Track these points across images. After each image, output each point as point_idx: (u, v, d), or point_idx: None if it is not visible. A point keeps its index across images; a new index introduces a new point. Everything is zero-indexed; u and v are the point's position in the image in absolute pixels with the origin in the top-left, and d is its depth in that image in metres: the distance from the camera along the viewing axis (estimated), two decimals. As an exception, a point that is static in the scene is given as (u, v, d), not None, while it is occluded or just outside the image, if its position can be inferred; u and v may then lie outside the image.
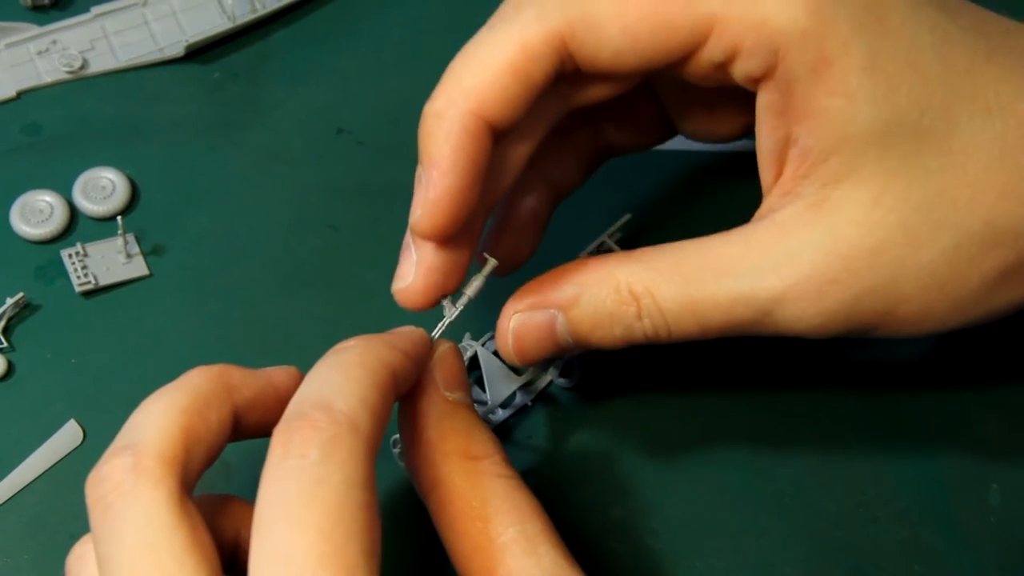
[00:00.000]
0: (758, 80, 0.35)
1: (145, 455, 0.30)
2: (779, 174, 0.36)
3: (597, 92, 0.37)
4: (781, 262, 0.35)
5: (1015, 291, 0.36)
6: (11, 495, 0.41)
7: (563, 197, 0.43)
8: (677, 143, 0.51)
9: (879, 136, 0.34)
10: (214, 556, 0.30)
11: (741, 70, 0.34)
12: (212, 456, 0.32)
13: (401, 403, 0.35)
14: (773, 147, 0.36)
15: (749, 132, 0.38)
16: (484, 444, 0.35)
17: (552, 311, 0.37)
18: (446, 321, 0.38)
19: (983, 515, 0.42)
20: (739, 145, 0.51)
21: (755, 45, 0.33)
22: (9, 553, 0.40)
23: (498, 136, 0.35)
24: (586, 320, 0.36)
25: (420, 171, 0.35)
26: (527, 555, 0.32)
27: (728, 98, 0.39)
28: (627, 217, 0.45)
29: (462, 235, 0.37)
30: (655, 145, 0.44)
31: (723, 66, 0.35)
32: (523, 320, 0.37)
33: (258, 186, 0.49)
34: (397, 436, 0.40)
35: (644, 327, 0.36)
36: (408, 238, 0.37)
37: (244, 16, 0.52)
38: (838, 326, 0.35)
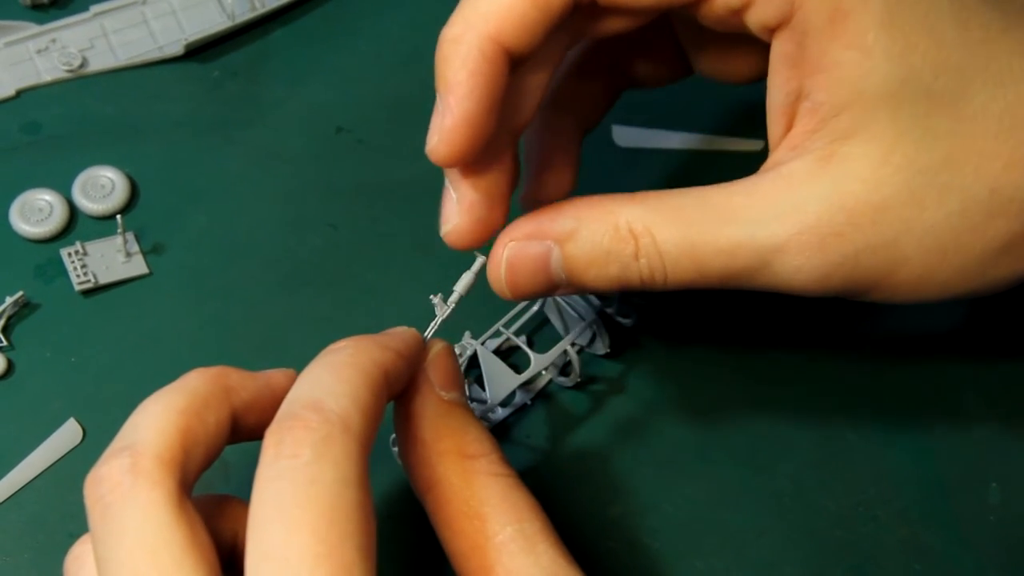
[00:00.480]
0: (773, 29, 0.35)
1: (143, 456, 0.30)
2: (788, 128, 0.36)
3: (614, 25, 0.37)
4: (785, 212, 0.34)
5: (1017, 263, 0.36)
6: (11, 493, 0.41)
7: (589, 130, 0.42)
8: (679, 142, 0.51)
9: (892, 94, 0.34)
10: (212, 556, 0.30)
11: (756, 17, 0.34)
12: (211, 457, 0.32)
13: (396, 403, 0.35)
14: (784, 100, 0.35)
15: (762, 76, 0.37)
16: (480, 443, 0.34)
17: (548, 243, 0.36)
18: (438, 320, 0.38)
19: (983, 514, 0.42)
20: (742, 144, 0.51)
21: None
22: (9, 552, 0.40)
23: (515, 63, 0.35)
24: (582, 256, 0.36)
25: (437, 99, 0.35)
26: (525, 553, 0.32)
27: (744, 41, 0.39)
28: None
29: (493, 166, 0.36)
30: (673, 81, 0.43)
31: (738, 12, 0.35)
32: (517, 250, 0.36)
33: (257, 185, 0.49)
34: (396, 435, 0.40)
35: (640, 268, 0.35)
36: (446, 182, 0.37)
37: (243, 15, 0.52)
38: (836, 283, 0.35)
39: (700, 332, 0.46)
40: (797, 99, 0.35)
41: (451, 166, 0.36)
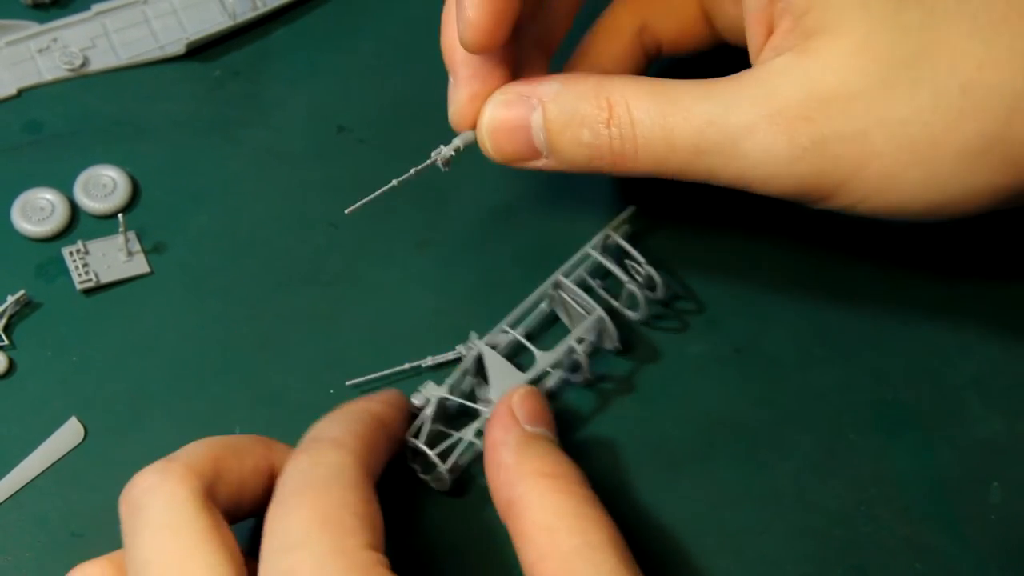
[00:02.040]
0: None
1: (175, 462, 0.34)
2: (767, 35, 0.37)
3: None
4: (757, 96, 0.35)
5: (992, 173, 0.35)
6: (12, 493, 0.41)
7: (560, 34, 0.43)
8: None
9: None
10: (235, 546, 0.33)
11: None
12: (243, 495, 0.35)
13: (486, 441, 0.38)
14: (759, 5, 0.36)
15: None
16: (559, 465, 0.36)
17: (533, 101, 0.38)
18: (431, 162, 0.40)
19: (984, 513, 0.42)
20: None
21: None
22: (10, 551, 0.40)
23: None
24: (560, 117, 0.37)
25: None
26: (586, 562, 0.34)
27: None
28: (631, 209, 0.45)
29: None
30: (698, 48, 0.44)
31: None
32: (504, 102, 0.38)
33: (259, 184, 0.49)
34: (412, 445, 0.41)
35: (611, 135, 0.36)
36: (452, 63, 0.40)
37: (245, 14, 0.52)
38: (803, 170, 0.35)
39: (700, 332, 0.46)
40: (772, 1, 0.36)
41: (480, 51, 0.38)
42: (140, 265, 0.46)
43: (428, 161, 0.39)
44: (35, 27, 0.51)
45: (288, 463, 0.35)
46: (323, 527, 0.32)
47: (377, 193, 0.40)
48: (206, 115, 0.51)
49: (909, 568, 0.41)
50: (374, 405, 0.39)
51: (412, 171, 0.39)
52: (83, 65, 0.51)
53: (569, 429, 0.43)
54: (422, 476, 0.41)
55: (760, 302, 0.46)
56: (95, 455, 0.42)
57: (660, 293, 0.44)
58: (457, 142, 0.40)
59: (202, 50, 0.52)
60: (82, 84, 0.51)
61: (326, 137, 0.50)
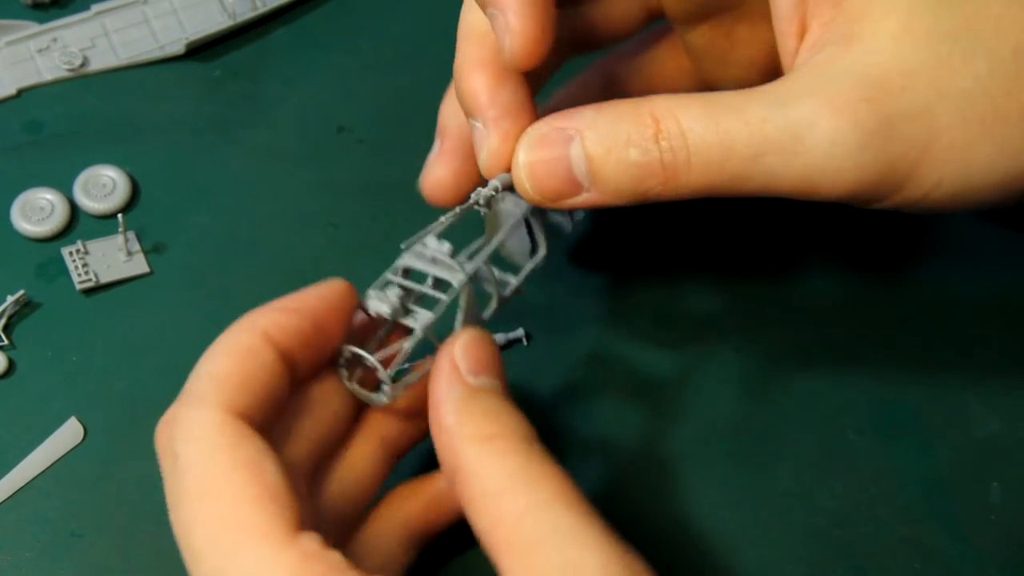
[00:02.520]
0: None
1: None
2: (800, 36, 0.35)
3: None
4: (813, 88, 0.34)
5: None
6: (12, 492, 0.41)
7: (537, 91, 0.41)
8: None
9: None
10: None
11: None
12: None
13: (429, 397, 0.35)
14: (790, 5, 0.35)
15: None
16: (501, 423, 0.34)
17: (570, 132, 0.35)
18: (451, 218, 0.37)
19: (984, 513, 0.42)
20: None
21: None
22: (10, 550, 0.40)
23: None
24: (602, 142, 0.35)
25: (490, 18, 0.36)
26: (537, 520, 0.32)
27: None
28: None
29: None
30: (626, 35, 0.43)
31: None
32: (539, 137, 0.36)
33: (258, 184, 0.49)
34: (344, 352, 0.37)
35: (662, 150, 0.34)
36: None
37: (244, 14, 0.52)
38: (874, 156, 0.33)
39: (701, 332, 0.46)
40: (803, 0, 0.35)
41: (530, 67, 0.36)
42: (140, 265, 0.46)
43: (467, 203, 0.37)
44: (35, 27, 0.51)
45: (157, 445, 0.34)
46: (222, 542, 0.31)
47: (427, 231, 0.38)
48: (206, 115, 0.51)
49: (909, 568, 0.41)
50: (271, 317, 0.36)
51: (456, 209, 0.37)
52: (83, 65, 0.51)
53: (568, 429, 0.43)
54: (353, 388, 0.38)
55: (760, 302, 0.46)
56: (95, 455, 0.42)
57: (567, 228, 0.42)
58: (495, 183, 0.37)
59: (202, 50, 0.52)
60: (82, 84, 0.51)
61: (326, 137, 0.50)
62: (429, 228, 0.38)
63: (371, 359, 0.36)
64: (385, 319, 0.37)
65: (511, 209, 0.39)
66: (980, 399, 0.45)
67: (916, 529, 0.42)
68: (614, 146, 0.35)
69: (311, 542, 0.31)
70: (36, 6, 0.53)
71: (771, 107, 0.34)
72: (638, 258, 0.48)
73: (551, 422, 0.44)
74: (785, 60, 0.36)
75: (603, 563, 0.31)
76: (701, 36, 0.41)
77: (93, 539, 0.40)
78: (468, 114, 0.38)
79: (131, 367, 0.44)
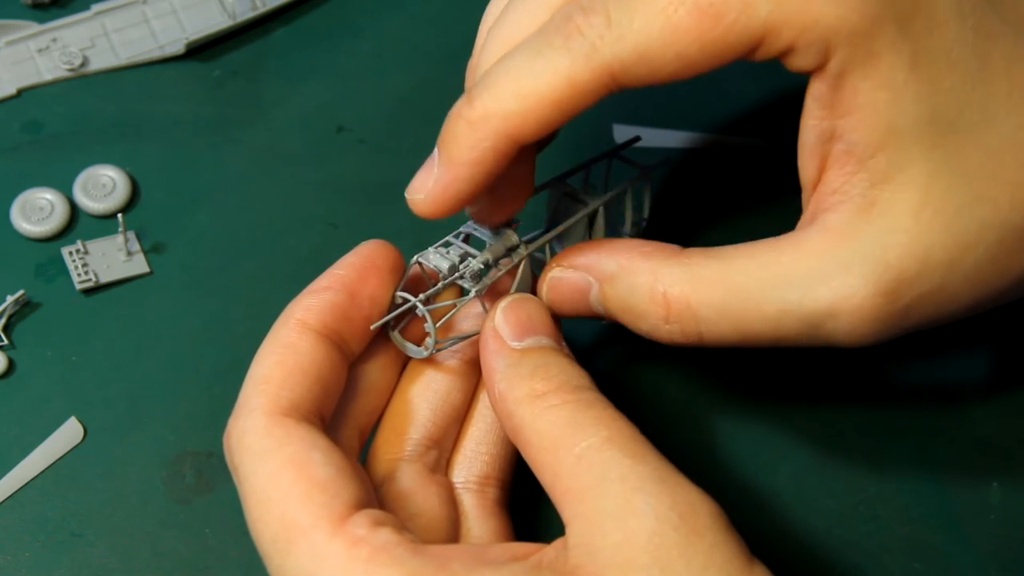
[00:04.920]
0: (810, 72, 0.35)
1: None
2: (820, 168, 0.36)
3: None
4: (831, 272, 0.34)
5: None
6: (11, 492, 0.41)
7: (542, 148, 0.41)
8: (679, 140, 0.51)
9: (923, 134, 0.34)
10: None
11: (793, 64, 0.35)
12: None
13: (482, 365, 0.37)
14: (816, 140, 0.36)
15: None
16: (550, 378, 0.35)
17: (590, 278, 0.38)
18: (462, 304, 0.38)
19: (983, 513, 0.42)
20: (743, 142, 0.51)
21: (808, 44, 0.34)
22: (9, 550, 0.40)
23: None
24: (617, 303, 0.37)
25: (436, 157, 0.36)
26: (590, 465, 0.33)
27: None
28: (637, 137, 0.44)
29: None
30: None
31: (778, 59, 0.35)
32: (561, 275, 0.38)
33: (258, 184, 0.49)
34: (395, 299, 0.38)
35: (671, 331, 0.36)
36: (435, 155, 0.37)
37: (244, 14, 0.52)
38: (889, 334, 0.35)
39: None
40: (830, 140, 0.35)
41: (428, 217, 0.37)
42: (140, 265, 0.46)
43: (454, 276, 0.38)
44: (35, 27, 0.51)
45: (227, 460, 0.35)
46: (279, 543, 0.32)
47: (445, 282, 0.38)
48: (206, 115, 0.51)
49: (909, 568, 0.41)
50: (311, 302, 0.37)
51: (485, 281, 0.38)
52: (83, 65, 0.51)
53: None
54: (395, 337, 0.38)
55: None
56: (95, 455, 0.42)
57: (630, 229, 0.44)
58: (487, 256, 0.38)
59: (202, 50, 0.52)
60: (82, 84, 0.51)
61: (325, 137, 0.50)
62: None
63: (421, 307, 0.37)
64: (440, 277, 0.38)
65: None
66: (980, 399, 0.45)
67: (916, 529, 0.42)
68: (627, 311, 0.37)
69: (358, 526, 0.32)
70: (36, 6, 0.53)
71: (791, 295, 0.35)
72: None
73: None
74: (804, 180, 0.37)
75: (655, 506, 0.32)
76: None
77: (93, 539, 0.40)
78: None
79: (131, 367, 0.44)
